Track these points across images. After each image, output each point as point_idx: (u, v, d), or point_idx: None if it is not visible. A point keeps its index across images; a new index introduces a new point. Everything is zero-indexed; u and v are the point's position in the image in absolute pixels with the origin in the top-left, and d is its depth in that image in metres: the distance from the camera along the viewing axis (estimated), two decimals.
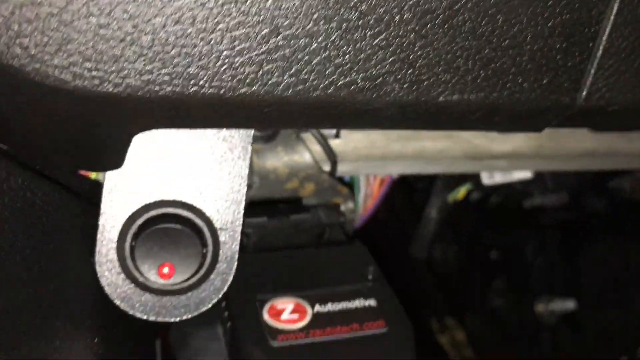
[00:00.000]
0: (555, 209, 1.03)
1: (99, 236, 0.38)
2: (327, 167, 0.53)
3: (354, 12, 0.31)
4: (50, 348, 0.35)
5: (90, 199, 0.41)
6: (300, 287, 0.45)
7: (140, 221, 0.38)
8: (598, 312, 1.01)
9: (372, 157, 0.54)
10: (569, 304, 1.02)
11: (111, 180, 0.38)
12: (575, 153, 0.59)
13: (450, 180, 0.65)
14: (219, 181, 0.39)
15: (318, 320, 0.43)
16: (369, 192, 0.62)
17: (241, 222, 0.40)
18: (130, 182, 0.38)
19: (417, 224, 0.69)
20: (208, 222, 0.39)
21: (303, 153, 0.52)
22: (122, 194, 0.38)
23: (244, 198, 0.39)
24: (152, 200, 0.38)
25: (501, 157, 0.58)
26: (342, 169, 0.53)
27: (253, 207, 0.52)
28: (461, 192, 0.68)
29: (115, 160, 0.37)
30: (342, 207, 0.54)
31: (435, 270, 0.88)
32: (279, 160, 0.52)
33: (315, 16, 0.31)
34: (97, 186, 0.43)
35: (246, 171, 0.39)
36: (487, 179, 0.68)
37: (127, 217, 0.38)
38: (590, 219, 1.04)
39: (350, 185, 0.56)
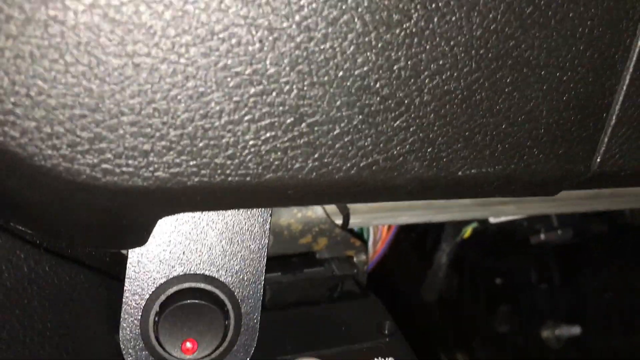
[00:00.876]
0: (557, 235, 1.04)
1: (122, 314, 0.38)
2: (339, 221, 0.54)
3: (375, 97, 0.32)
4: None
5: (112, 272, 0.41)
6: (319, 346, 0.45)
7: (163, 297, 0.39)
8: (603, 337, 1.02)
9: (383, 208, 0.55)
10: (575, 329, 1.03)
11: (135, 256, 0.38)
12: (582, 195, 0.60)
13: (458, 225, 0.66)
14: (240, 254, 0.39)
15: None
16: (377, 237, 0.62)
17: (262, 293, 0.40)
18: (154, 258, 0.38)
19: (424, 262, 0.70)
20: (230, 294, 0.40)
21: (316, 208, 0.53)
22: (146, 270, 0.38)
23: (264, 269, 0.40)
24: (175, 275, 0.38)
25: (509, 203, 0.58)
26: (354, 222, 0.54)
27: (267, 262, 0.52)
28: (468, 231, 0.69)
29: (139, 239, 0.37)
30: (355, 259, 0.55)
31: (444, 304, 0.88)
32: (292, 216, 0.52)
33: (337, 103, 0.32)
34: (119, 256, 0.43)
35: (266, 242, 0.40)
36: (493, 218, 0.69)
37: (150, 292, 0.38)
38: (592, 244, 1.05)
39: (361, 236, 0.57)
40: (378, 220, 0.55)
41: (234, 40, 0.29)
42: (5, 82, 0.27)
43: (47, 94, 0.28)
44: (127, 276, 0.38)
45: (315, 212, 0.53)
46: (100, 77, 0.28)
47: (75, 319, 0.38)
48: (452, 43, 0.32)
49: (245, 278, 0.39)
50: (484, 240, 1.00)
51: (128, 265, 0.38)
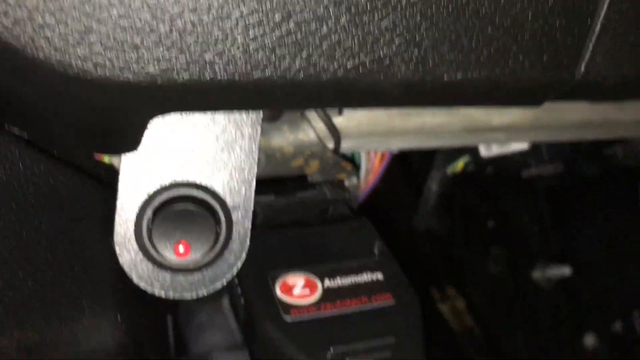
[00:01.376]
0: (550, 177, 1.05)
1: (117, 218, 0.39)
2: (331, 145, 0.54)
3: None
4: (77, 325, 0.37)
5: (106, 183, 0.42)
6: (309, 262, 0.46)
7: (156, 203, 0.40)
8: (593, 277, 1.03)
9: (375, 133, 0.55)
10: (565, 270, 1.04)
11: (127, 163, 0.39)
12: (571, 124, 0.61)
13: (449, 154, 0.67)
14: (231, 162, 0.40)
15: (328, 295, 0.44)
16: (369, 167, 0.63)
17: (252, 201, 0.41)
18: (146, 165, 0.39)
19: (416, 197, 0.71)
20: (221, 202, 0.40)
21: (308, 131, 0.53)
22: (138, 176, 0.39)
23: (254, 178, 0.41)
24: (167, 182, 0.39)
25: (499, 130, 0.59)
26: (346, 146, 0.55)
27: (260, 185, 0.53)
28: (459, 164, 0.70)
29: (131, 143, 0.38)
30: (346, 183, 0.56)
31: (435, 240, 0.89)
32: (284, 139, 0.53)
33: (325, 2, 0.32)
34: (112, 170, 0.44)
35: (256, 152, 0.41)
36: (484, 151, 0.70)
37: (143, 199, 0.39)
38: (584, 186, 1.06)
39: (352, 160, 0.58)
40: (369, 145, 0.56)
41: None
42: None
43: None
44: (120, 183, 0.39)
45: (307, 135, 0.53)
46: None
47: (70, 221, 0.39)
48: None
49: (236, 187, 0.40)
50: (477, 180, 1.01)
51: (121, 172, 0.39)
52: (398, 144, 0.56)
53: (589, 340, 1.06)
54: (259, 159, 0.53)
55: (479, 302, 1.00)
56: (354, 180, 0.56)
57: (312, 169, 0.55)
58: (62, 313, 0.36)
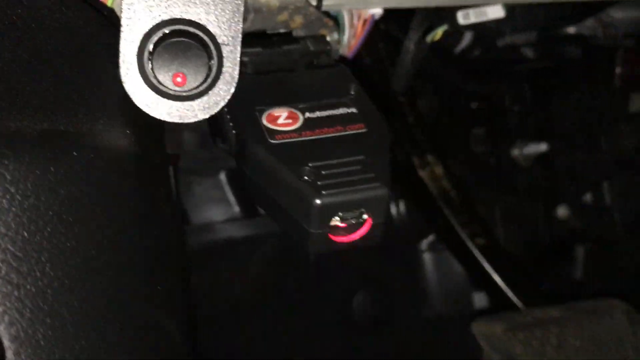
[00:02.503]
0: (533, 60, 1.10)
1: (121, 50, 0.45)
2: (314, 2, 0.59)
3: None
4: (94, 128, 0.43)
5: (111, 21, 0.48)
6: (293, 100, 0.52)
7: (155, 37, 0.45)
8: (568, 152, 1.10)
9: None
10: (542, 146, 1.10)
11: (127, 4, 0.44)
12: None
13: (427, 17, 0.71)
14: (220, 5, 0.46)
15: (308, 124, 0.50)
16: (352, 33, 0.68)
17: (240, 39, 0.47)
18: (144, 5, 0.45)
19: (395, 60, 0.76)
20: (213, 38, 0.46)
21: None
22: (139, 14, 0.45)
23: (242, 18, 0.46)
24: (165, 19, 0.45)
25: None
26: (328, 3, 0.59)
27: (249, 38, 0.58)
28: (438, 32, 0.75)
29: None
30: (328, 38, 0.61)
31: (418, 114, 0.95)
32: None
33: None
34: (114, 12, 0.49)
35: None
36: (462, 19, 0.74)
37: (144, 32, 0.45)
38: (564, 67, 1.11)
39: (334, 18, 0.63)
40: (351, 4, 0.61)
41: None
42: None
43: None
44: (122, 20, 0.44)
45: None
46: None
47: (83, 48, 0.44)
48: None
49: (226, 26, 0.46)
50: (462, 61, 1.06)
51: (123, 7, 0.44)
52: (378, 2, 0.61)
53: (562, 211, 1.13)
54: (248, 13, 0.58)
55: (460, 176, 1.07)
56: (335, 35, 0.61)
57: (296, 24, 0.60)
58: (80, 115, 0.42)
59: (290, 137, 0.49)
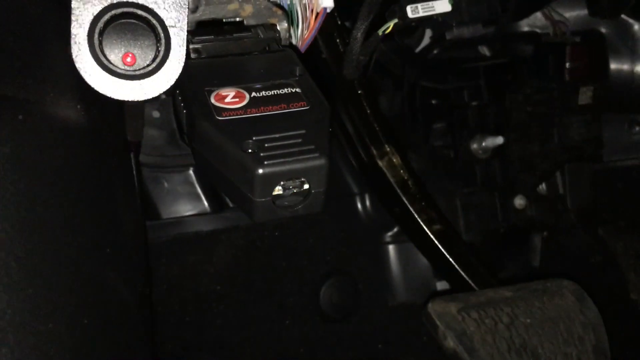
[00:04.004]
0: (489, 57, 1.15)
1: (72, 31, 0.48)
2: None
3: None
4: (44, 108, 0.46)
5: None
6: (240, 81, 0.56)
7: (105, 18, 0.48)
8: (522, 145, 1.14)
9: None
10: (498, 140, 1.14)
11: None
12: None
13: (373, 7, 0.74)
14: None
15: (254, 102, 0.54)
16: (305, 26, 0.72)
17: (186, 22, 0.50)
18: None
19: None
20: (160, 21, 0.50)
21: None
22: None
23: (187, 1, 0.50)
24: (114, 1, 0.48)
25: None
26: None
27: (201, 26, 0.62)
28: (390, 25, 0.79)
29: None
30: (278, 27, 0.65)
31: (376, 104, 0.98)
32: None
33: None
34: None
35: None
36: (411, 13, 0.78)
37: (94, 14, 0.48)
38: (518, 63, 1.15)
39: (282, 7, 0.66)
40: None
41: None
42: None
43: None
44: (72, 3, 0.48)
45: None
46: None
47: (33, 28, 0.48)
48: None
49: (172, 8, 0.49)
50: (421, 60, 1.10)
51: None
52: None
53: (518, 201, 1.18)
54: (199, 2, 0.62)
55: (420, 166, 1.11)
56: (285, 24, 0.65)
57: (246, 13, 0.63)
58: (29, 86, 0.45)
59: (237, 115, 0.53)
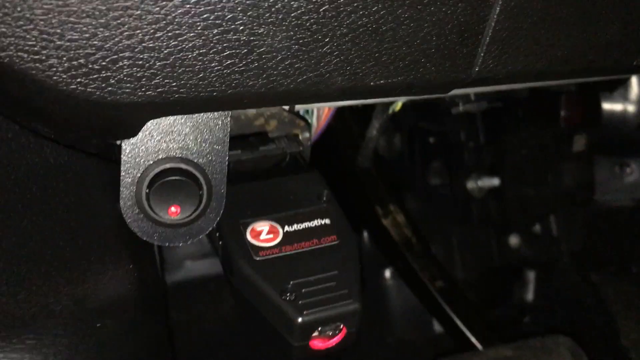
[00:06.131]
0: (484, 100, 1.18)
1: (121, 188, 0.51)
2: (286, 106, 0.66)
3: (306, 32, 0.43)
4: (87, 271, 0.49)
5: (114, 160, 0.53)
6: (272, 211, 0.59)
7: (152, 174, 0.51)
8: (518, 187, 1.18)
9: None
10: (495, 181, 1.18)
11: (128, 146, 0.50)
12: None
13: (386, 109, 0.78)
14: (209, 141, 0.52)
15: (287, 238, 0.57)
16: (320, 112, 0.75)
17: (226, 169, 0.53)
18: (142, 146, 0.50)
19: (361, 135, 0.82)
20: (202, 171, 0.52)
21: None
22: (137, 155, 0.50)
23: (227, 151, 0.52)
24: (160, 157, 0.51)
25: None
26: (299, 105, 0.66)
27: (229, 141, 0.64)
28: (398, 105, 0.82)
29: (132, 134, 0.49)
30: (300, 137, 0.68)
31: (380, 162, 1.02)
32: None
33: (279, 38, 0.43)
34: (112, 146, 0.55)
35: (228, 131, 0.52)
36: None
37: (141, 172, 0.51)
38: (515, 106, 1.18)
39: (305, 118, 0.69)
40: (319, 103, 0.67)
41: None
42: (35, 33, 0.38)
43: (66, 40, 0.39)
44: (122, 160, 0.50)
45: None
46: (104, 26, 0.39)
47: (86, 193, 0.50)
48: None
49: (213, 159, 0.52)
50: (417, 108, 1.13)
51: (122, 152, 0.50)
52: (343, 102, 0.67)
53: (513, 240, 1.22)
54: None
55: (418, 212, 1.14)
56: (307, 134, 0.68)
57: (271, 127, 0.66)
58: (70, 265, 0.48)
59: (272, 253, 0.56)
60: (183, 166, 0.52)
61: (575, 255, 1.19)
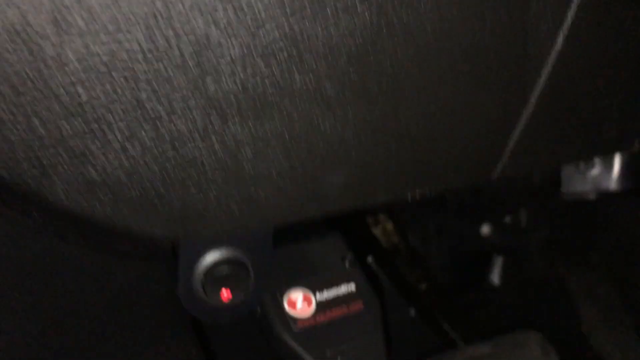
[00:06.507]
0: None
1: (180, 278, 0.57)
2: None
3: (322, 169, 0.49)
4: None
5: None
6: (303, 278, 0.65)
7: (206, 267, 0.57)
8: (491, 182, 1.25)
9: None
10: None
11: (184, 246, 0.56)
12: None
13: None
14: (254, 236, 0.58)
15: (320, 307, 0.64)
16: None
17: (270, 257, 0.59)
18: (194, 244, 0.56)
19: None
20: (251, 258, 0.58)
21: None
22: (192, 251, 0.56)
23: (271, 244, 0.58)
24: (211, 250, 0.56)
25: None
26: None
27: None
28: None
29: None
30: None
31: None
32: None
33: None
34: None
35: (271, 230, 0.58)
36: None
37: (197, 265, 0.56)
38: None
39: None
40: None
41: None
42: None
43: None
44: (180, 256, 0.56)
45: None
46: None
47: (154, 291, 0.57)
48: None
49: (260, 250, 0.58)
50: None
51: (180, 251, 0.56)
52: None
53: (485, 229, 1.31)
54: None
55: (398, 205, 1.21)
56: None
57: None
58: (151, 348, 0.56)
59: (309, 324, 0.63)
60: (233, 257, 0.57)
61: (542, 245, 1.28)
